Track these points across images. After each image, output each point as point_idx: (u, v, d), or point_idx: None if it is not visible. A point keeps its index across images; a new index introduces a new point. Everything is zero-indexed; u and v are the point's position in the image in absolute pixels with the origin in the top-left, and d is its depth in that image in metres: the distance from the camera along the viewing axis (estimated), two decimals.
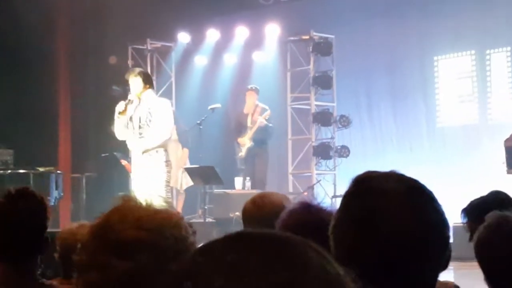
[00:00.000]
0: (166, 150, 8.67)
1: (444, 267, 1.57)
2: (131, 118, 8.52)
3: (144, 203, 1.64)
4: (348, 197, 1.59)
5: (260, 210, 3.30)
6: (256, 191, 11.20)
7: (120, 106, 8.56)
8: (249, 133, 11.99)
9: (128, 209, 1.62)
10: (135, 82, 8.52)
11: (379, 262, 1.49)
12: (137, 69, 8.90)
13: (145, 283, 1.52)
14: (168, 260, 1.54)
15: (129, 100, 8.54)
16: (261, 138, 12.01)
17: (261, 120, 11.86)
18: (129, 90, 8.79)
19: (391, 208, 1.52)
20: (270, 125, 11.95)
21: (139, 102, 8.51)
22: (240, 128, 12.23)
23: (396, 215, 1.52)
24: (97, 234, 1.60)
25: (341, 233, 1.56)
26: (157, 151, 8.50)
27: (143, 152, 8.52)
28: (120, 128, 8.62)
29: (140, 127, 8.49)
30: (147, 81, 8.65)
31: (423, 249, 1.51)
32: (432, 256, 1.53)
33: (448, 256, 1.57)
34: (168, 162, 8.66)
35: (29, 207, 2.69)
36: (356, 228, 1.53)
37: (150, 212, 1.62)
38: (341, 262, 1.47)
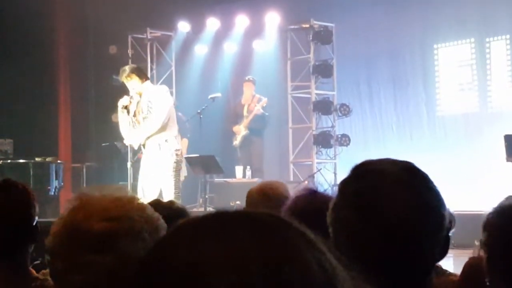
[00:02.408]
0: (176, 138, 8.67)
1: (443, 252, 1.57)
2: (134, 114, 8.52)
3: (100, 195, 1.63)
4: (344, 182, 1.61)
5: (267, 199, 3.33)
6: (256, 180, 11.24)
7: (124, 100, 8.54)
8: (245, 121, 12.11)
9: (89, 204, 1.61)
10: (131, 82, 8.50)
11: (377, 242, 1.50)
12: (127, 68, 8.71)
13: (131, 270, 1.51)
14: (145, 241, 1.54)
15: (131, 96, 8.54)
16: (257, 127, 12.10)
17: (258, 108, 11.92)
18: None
19: (386, 186, 1.54)
20: (267, 113, 12.01)
21: (140, 97, 8.51)
22: (236, 118, 12.36)
23: (390, 193, 1.53)
24: (66, 236, 1.58)
25: (339, 217, 1.57)
26: (166, 140, 8.47)
27: (146, 139, 8.50)
28: (126, 127, 8.60)
29: (143, 118, 8.48)
30: (142, 75, 8.65)
31: (420, 226, 1.52)
32: (429, 234, 1.54)
33: (446, 239, 1.57)
34: (178, 151, 8.62)
35: (11, 199, 2.65)
36: (353, 209, 1.54)
37: (111, 202, 1.61)
38: (340, 247, 1.48)
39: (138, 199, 1.65)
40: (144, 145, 8.61)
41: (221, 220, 0.82)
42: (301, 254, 0.78)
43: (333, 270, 0.79)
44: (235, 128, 12.29)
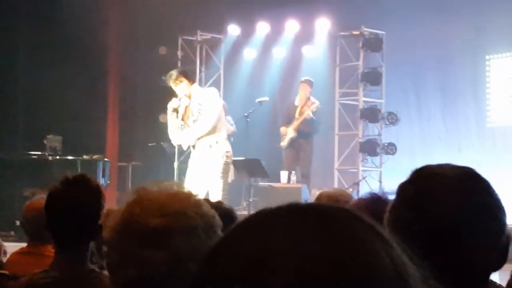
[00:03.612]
0: (226, 140, 8.68)
1: (502, 260, 1.54)
2: (183, 118, 8.56)
3: (157, 190, 1.64)
4: (403, 185, 1.59)
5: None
6: (301, 186, 11.21)
7: (174, 103, 8.59)
8: (295, 124, 11.95)
9: (147, 199, 1.61)
10: (180, 85, 8.54)
11: (434, 245, 1.47)
12: (175, 72, 8.78)
13: (185, 266, 1.51)
14: (199, 238, 1.54)
15: (180, 98, 8.58)
16: (306, 131, 11.96)
17: (308, 112, 11.80)
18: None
19: (445, 189, 1.52)
20: (315, 118, 11.89)
21: (190, 100, 8.54)
22: (288, 118, 12.17)
23: (450, 196, 1.51)
24: (123, 230, 1.60)
25: (396, 219, 1.56)
26: (217, 141, 8.49)
27: (196, 140, 8.52)
28: (174, 129, 8.64)
29: (194, 121, 8.51)
30: (189, 78, 8.70)
31: (480, 231, 1.49)
32: (488, 240, 1.51)
33: (505, 248, 1.54)
34: (228, 153, 8.63)
35: (84, 194, 2.70)
36: (410, 211, 1.53)
37: (168, 197, 1.61)
38: None
39: (195, 195, 1.65)
40: (194, 146, 8.62)
41: (291, 211, 0.81)
42: (371, 246, 0.77)
43: (404, 266, 0.78)
44: (283, 129, 12.11)
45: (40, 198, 3.85)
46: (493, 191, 1.56)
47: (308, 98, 12.03)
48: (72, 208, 2.67)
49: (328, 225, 0.78)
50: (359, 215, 0.82)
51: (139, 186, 1.69)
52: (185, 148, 8.98)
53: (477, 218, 1.50)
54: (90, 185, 2.75)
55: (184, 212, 1.57)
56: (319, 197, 3.68)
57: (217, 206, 2.83)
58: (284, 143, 12.07)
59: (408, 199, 1.55)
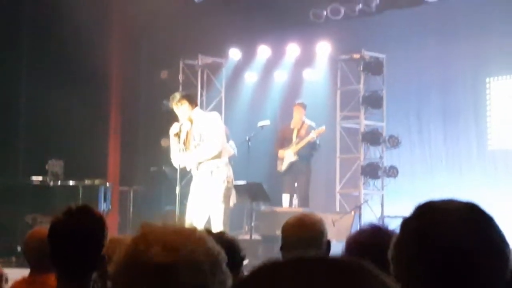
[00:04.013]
0: (227, 165, 8.66)
1: None
2: (184, 142, 8.55)
3: (162, 225, 1.64)
4: (407, 220, 1.59)
5: (302, 230, 3.37)
6: (303, 210, 11.18)
7: (175, 128, 8.57)
8: (295, 148, 11.93)
9: (151, 234, 1.61)
10: (181, 107, 8.52)
11: (437, 278, 1.47)
12: (177, 95, 8.74)
13: None
14: (205, 274, 1.54)
15: (182, 123, 8.57)
16: (307, 154, 11.96)
17: (312, 136, 11.78)
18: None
19: (449, 224, 1.52)
20: (318, 142, 11.90)
21: (191, 124, 8.52)
22: (283, 141, 12.20)
23: (454, 231, 1.51)
24: (127, 265, 1.59)
25: (401, 251, 1.55)
26: (218, 167, 8.47)
27: (198, 164, 8.50)
28: (176, 153, 8.61)
29: (195, 146, 8.50)
30: (192, 101, 8.67)
31: (484, 264, 1.49)
32: (493, 273, 1.50)
33: (510, 283, 1.53)
34: (229, 178, 8.62)
35: (88, 224, 2.70)
36: (413, 246, 1.52)
37: (173, 233, 1.61)
38: (400, 281, 1.46)
39: (200, 230, 1.64)
40: (197, 168, 8.59)
41: (299, 264, 0.81)
42: None
43: None
44: (281, 153, 12.12)
45: (42, 227, 3.85)
46: (497, 225, 1.56)
47: (303, 121, 12.06)
48: (75, 238, 2.67)
49: (338, 279, 0.78)
50: (368, 269, 0.81)
51: (144, 221, 1.69)
52: (188, 168, 8.90)
53: (481, 253, 1.50)
54: (94, 215, 2.76)
55: (189, 248, 1.57)
56: (288, 224, 3.54)
57: (220, 237, 2.84)
58: (282, 167, 12.05)
59: (411, 235, 1.55)
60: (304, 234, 3.31)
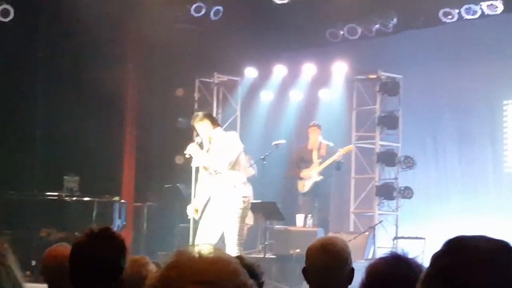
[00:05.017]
0: (244, 184, 8.64)
1: None
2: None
3: (198, 255, 1.63)
4: (438, 255, 1.58)
5: (327, 256, 3.37)
6: (317, 229, 11.16)
7: (191, 148, 8.53)
8: (318, 168, 11.92)
9: (184, 263, 1.60)
10: (203, 126, 8.52)
11: None
12: (200, 114, 8.79)
13: None
14: None
15: (198, 142, 8.56)
16: (330, 174, 11.98)
17: (339, 154, 11.78)
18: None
19: (479, 263, 1.50)
20: (342, 161, 11.92)
21: (210, 143, 8.53)
22: (300, 163, 12.19)
23: (483, 271, 1.49)
24: None
25: (428, 287, 1.54)
26: (235, 186, 8.45)
27: (213, 184, 8.47)
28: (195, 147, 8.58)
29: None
30: (214, 121, 8.69)
31: None
32: None
33: None
34: (246, 198, 8.60)
35: (109, 248, 2.71)
36: (443, 284, 1.51)
37: (206, 264, 1.60)
38: None
39: (234, 263, 1.64)
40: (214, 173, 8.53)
41: None
42: None
43: None
44: (304, 173, 12.12)
45: (61, 245, 3.86)
46: None
47: (320, 141, 12.07)
48: (96, 262, 2.67)
49: None
50: None
51: (179, 249, 1.68)
52: (192, 165, 8.80)
53: None
54: (115, 239, 2.76)
55: (221, 281, 1.57)
56: (313, 248, 3.55)
57: (239, 262, 2.83)
58: (306, 187, 12.02)
59: (441, 271, 1.54)
60: (328, 261, 3.33)
